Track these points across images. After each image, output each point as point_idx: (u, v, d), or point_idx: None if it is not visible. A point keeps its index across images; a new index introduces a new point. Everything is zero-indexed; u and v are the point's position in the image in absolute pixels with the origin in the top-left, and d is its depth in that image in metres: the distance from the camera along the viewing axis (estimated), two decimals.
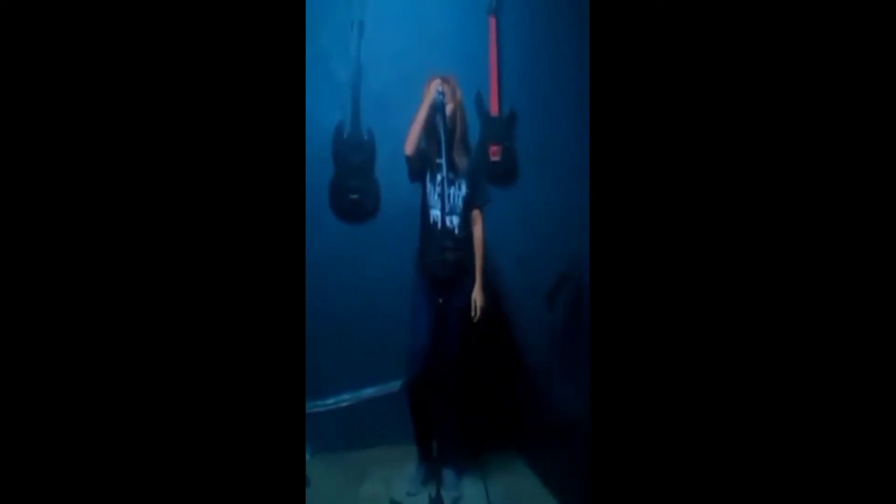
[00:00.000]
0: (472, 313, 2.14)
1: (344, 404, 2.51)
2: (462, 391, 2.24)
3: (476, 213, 2.19)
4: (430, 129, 2.07)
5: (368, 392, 2.53)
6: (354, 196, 2.45)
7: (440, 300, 2.03)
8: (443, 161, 1.94)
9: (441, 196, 2.07)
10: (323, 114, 2.40)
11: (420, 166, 2.12)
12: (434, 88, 2.06)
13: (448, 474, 2.20)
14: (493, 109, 2.62)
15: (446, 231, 2.09)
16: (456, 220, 2.14)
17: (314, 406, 2.44)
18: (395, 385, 2.42)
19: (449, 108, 2.06)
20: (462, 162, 2.16)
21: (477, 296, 2.15)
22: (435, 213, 2.11)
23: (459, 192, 2.15)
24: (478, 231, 2.19)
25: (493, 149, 2.62)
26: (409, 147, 2.06)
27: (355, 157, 2.43)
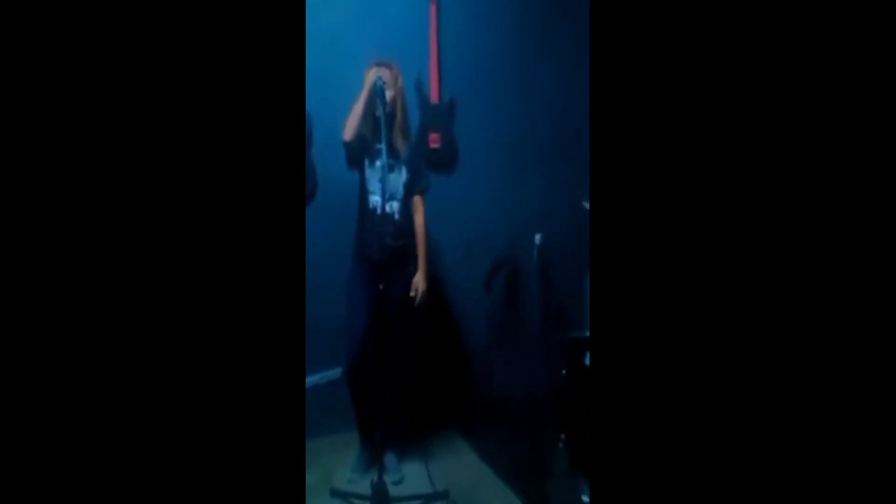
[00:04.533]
0: (414, 298, 2.16)
1: None
2: (403, 375, 2.26)
3: (417, 200, 2.20)
4: (369, 114, 2.06)
5: (309, 380, 2.50)
6: None
7: (380, 286, 2.03)
8: (383, 147, 1.94)
9: (381, 182, 2.06)
10: None
11: (359, 152, 2.10)
12: (375, 74, 2.05)
13: (390, 459, 2.22)
14: (434, 96, 2.62)
15: (386, 217, 2.09)
16: (396, 205, 2.15)
17: None
18: (335, 373, 2.40)
19: (389, 94, 2.05)
20: (402, 148, 2.16)
21: (420, 281, 2.17)
22: (375, 199, 2.11)
23: (400, 177, 2.15)
24: (419, 217, 2.21)
25: (433, 136, 2.63)
26: (348, 133, 2.04)
27: None
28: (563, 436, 2.19)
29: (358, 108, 2.03)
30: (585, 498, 1.97)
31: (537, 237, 2.74)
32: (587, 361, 2.05)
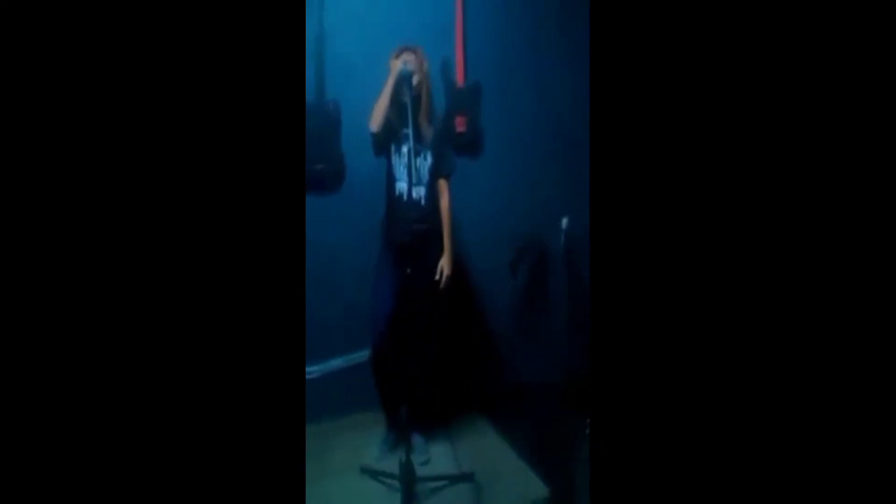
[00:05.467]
0: (439, 282, 2.18)
1: (313, 377, 2.53)
2: (430, 357, 2.29)
3: (442, 184, 2.21)
4: (396, 101, 2.07)
5: (336, 363, 2.55)
6: (319, 166, 2.43)
7: (407, 270, 2.06)
8: (409, 132, 1.95)
9: (408, 167, 2.08)
10: None
11: (385, 140, 2.12)
12: (401, 60, 2.05)
13: (417, 439, 2.26)
14: (460, 80, 2.62)
15: (412, 202, 2.11)
16: (422, 190, 2.15)
17: None
18: (363, 355, 2.45)
19: (415, 80, 2.06)
20: (428, 133, 2.17)
21: (445, 264, 2.19)
22: (401, 185, 2.12)
23: (425, 162, 2.16)
24: (444, 201, 2.21)
25: (459, 120, 2.63)
26: (375, 122, 2.05)
27: (319, 128, 2.41)
28: (588, 421, 2.19)
29: (384, 98, 2.04)
30: None
31: (564, 221, 2.72)
32: None
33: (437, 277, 2.18)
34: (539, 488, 2.06)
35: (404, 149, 2.09)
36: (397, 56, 2.09)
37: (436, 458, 2.26)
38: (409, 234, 2.08)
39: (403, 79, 2.00)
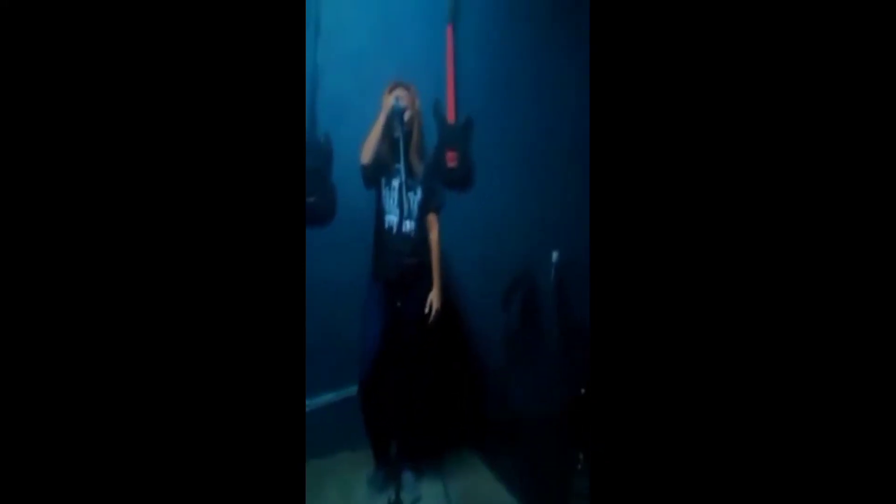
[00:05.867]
0: (429, 315, 2.17)
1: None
2: (420, 393, 2.26)
3: (432, 218, 2.22)
4: (388, 136, 2.09)
5: (327, 397, 2.52)
6: (310, 199, 2.44)
7: (397, 303, 2.05)
8: (401, 167, 1.97)
9: (398, 201, 2.09)
10: None
11: (376, 173, 2.14)
12: (394, 95, 2.08)
13: (407, 476, 2.22)
14: (450, 116, 2.66)
15: (402, 235, 2.11)
16: (412, 224, 2.16)
17: None
18: (353, 390, 2.42)
19: (407, 115, 2.09)
20: (419, 168, 2.19)
21: (434, 298, 2.18)
22: (391, 218, 2.13)
23: (416, 196, 2.18)
24: (434, 235, 2.22)
25: (450, 155, 2.66)
26: (366, 155, 2.07)
27: (312, 160, 2.42)
28: (581, 456, 2.16)
29: (376, 131, 2.06)
30: None
31: (554, 255, 2.74)
32: None
33: (427, 311, 2.17)
34: None
35: (395, 183, 2.11)
36: (390, 91, 2.12)
37: (426, 495, 2.21)
38: (399, 267, 2.08)
39: (396, 114, 2.03)
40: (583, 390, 2.15)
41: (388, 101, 2.07)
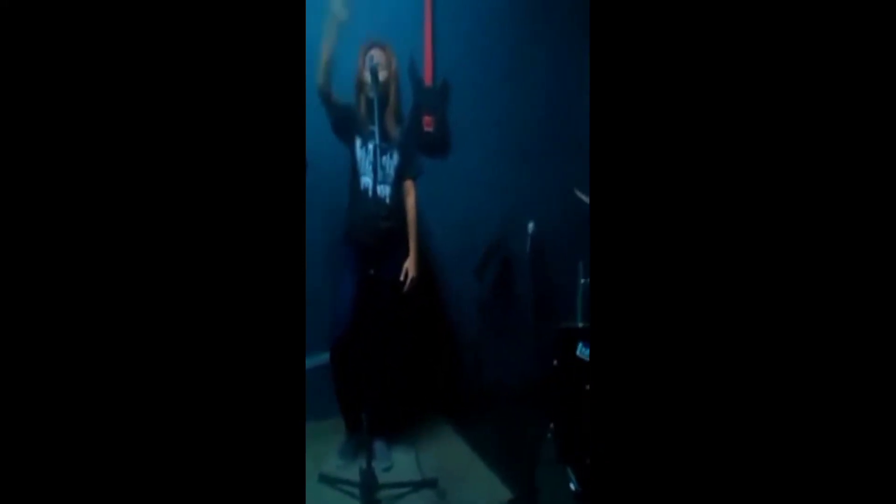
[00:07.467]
0: (404, 283, 2.14)
1: None
2: (392, 362, 2.24)
3: (409, 184, 2.17)
4: (363, 96, 2.03)
5: None
6: None
7: (371, 271, 2.00)
8: (376, 129, 1.90)
9: (373, 164, 2.03)
10: None
11: (342, 119, 2.07)
12: (369, 55, 2.01)
13: (378, 445, 2.20)
14: (428, 79, 2.58)
15: (378, 199, 2.06)
16: (387, 189, 2.11)
17: None
18: (325, 357, 2.38)
19: (383, 76, 2.02)
20: (395, 131, 2.13)
21: (410, 266, 2.14)
22: (366, 180, 2.07)
23: (391, 161, 2.12)
24: (410, 201, 2.17)
25: (427, 118, 2.59)
26: (321, 78, 1.96)
27: None
28: (552, 425, 2.18)
29: (325, 53, 1.93)
30: (573, 486, 1.96)
31: (530, 225, 2.71)
32: (578, 352, 2.04)
33: (402, 279, 2.13)
34: (503, 492, 2.03)
35: (370, 145, 2.04)
36: (366, 51, 2.05)
37: (398, 464, 2.20)
38: (374, 232, 2.03)
39: (370, 73, 1.96)
40: (555, 362, 2.15)
41: (364, 61, 2.01)
